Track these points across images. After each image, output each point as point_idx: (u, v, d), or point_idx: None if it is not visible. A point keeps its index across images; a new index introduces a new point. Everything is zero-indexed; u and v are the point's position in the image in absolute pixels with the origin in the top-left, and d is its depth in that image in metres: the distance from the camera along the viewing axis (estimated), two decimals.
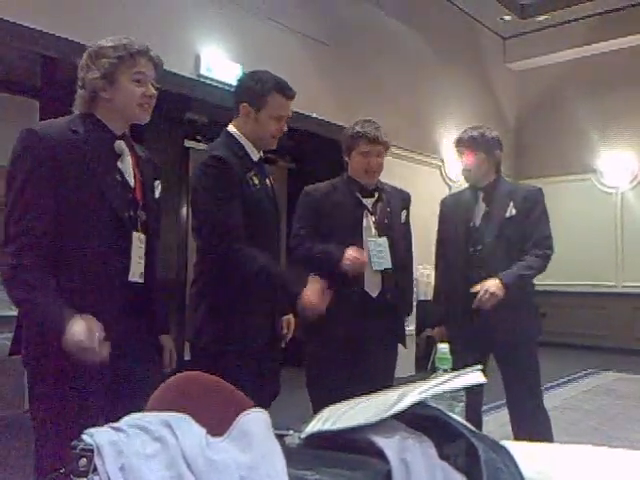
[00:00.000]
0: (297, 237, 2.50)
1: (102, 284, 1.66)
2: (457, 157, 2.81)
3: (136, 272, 1.76)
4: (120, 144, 1.77)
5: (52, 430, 1.58)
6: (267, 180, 2.25)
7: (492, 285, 2.49)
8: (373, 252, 2.44)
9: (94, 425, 0.87)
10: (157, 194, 1.93)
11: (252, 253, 2.05)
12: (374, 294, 2.44)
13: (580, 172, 8.63)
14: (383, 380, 2.38)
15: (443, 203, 2.92)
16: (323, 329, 2.35)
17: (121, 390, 1.68)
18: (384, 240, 2.47)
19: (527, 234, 2.64)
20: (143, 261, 1.79)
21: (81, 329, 1.50)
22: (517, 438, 2.59)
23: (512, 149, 9.28)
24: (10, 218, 1.59)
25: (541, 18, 8.32)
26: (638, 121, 8.20)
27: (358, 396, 1.02)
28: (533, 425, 2.67)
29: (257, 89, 2.13)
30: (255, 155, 2.20)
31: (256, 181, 2.15)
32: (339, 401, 1.01)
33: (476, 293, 2.57)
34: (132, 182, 1.78)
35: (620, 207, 8.37)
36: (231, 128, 2.22)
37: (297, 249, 2.49)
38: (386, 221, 2.52)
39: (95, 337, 1.51)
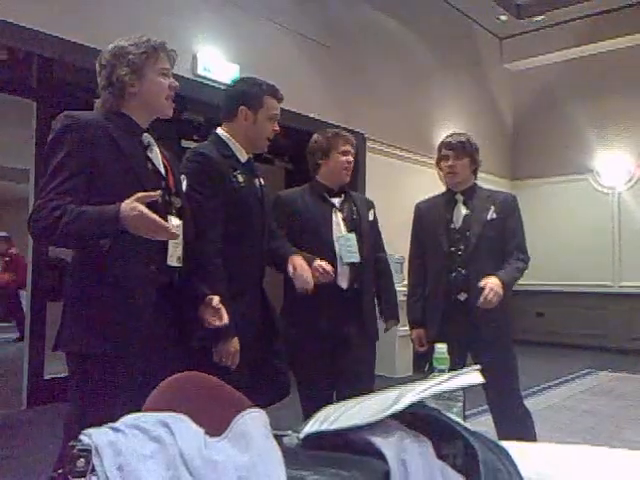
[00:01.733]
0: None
1: (139, 270, 1.68)
2: (440, 160, 2.86)
3: (174, 256, 1.79)
4: (147, 136, 1.84)
5: (85, 419, 1.58)
6: (256, 180, 2.29)
7: (496, 284, 2.50)
8: (343, 247, 2.56)
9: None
10: (184, 188, 1.99)
11: (219, 271, 2.04)
12: (344, 286, 2.55)
13: (577, 172, 8.64)
14: (363, 362, 2.59)
15: (418, 208, 2.99)
16: (303, 320, 2.53)
17: (147, 385, 1.69)
18: (353, 235, 2.60)
19: (505, 237, 2.76)
20: (181, 246, 1.83)
21: (131, 200, 1.55)
22: (500, 438, 2.59)
23: (509, 149, 9.30)
24: (44, 192, 1.61)
25: (538, 18, 8.34)
26: (634, 121, 8.23)
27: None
28: (514, 424, 2.69)
29: (254, 92, 2.23)
30: (243, 156, 2.25)
31: (241, 179, 2.19)
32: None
33: (458, 293, 2.69)
34: (163, 171, 1.85)
35: (617, 207, 8.39)
36: (220, 131, 2.28)
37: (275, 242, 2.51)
38: (354, 217, 2.66)
39: (149, 197, 1.57)
